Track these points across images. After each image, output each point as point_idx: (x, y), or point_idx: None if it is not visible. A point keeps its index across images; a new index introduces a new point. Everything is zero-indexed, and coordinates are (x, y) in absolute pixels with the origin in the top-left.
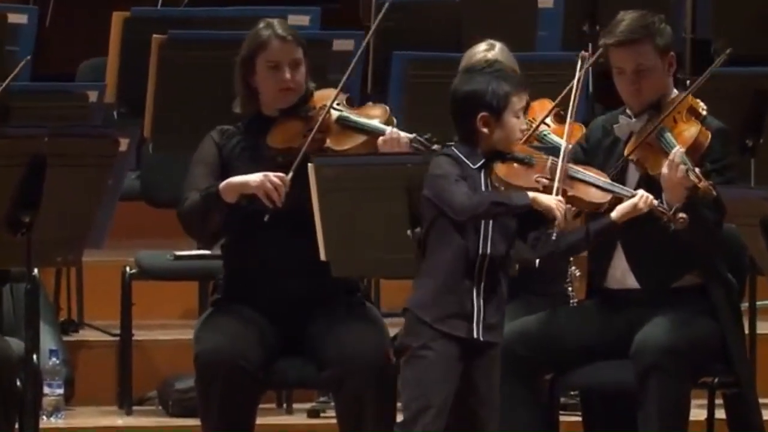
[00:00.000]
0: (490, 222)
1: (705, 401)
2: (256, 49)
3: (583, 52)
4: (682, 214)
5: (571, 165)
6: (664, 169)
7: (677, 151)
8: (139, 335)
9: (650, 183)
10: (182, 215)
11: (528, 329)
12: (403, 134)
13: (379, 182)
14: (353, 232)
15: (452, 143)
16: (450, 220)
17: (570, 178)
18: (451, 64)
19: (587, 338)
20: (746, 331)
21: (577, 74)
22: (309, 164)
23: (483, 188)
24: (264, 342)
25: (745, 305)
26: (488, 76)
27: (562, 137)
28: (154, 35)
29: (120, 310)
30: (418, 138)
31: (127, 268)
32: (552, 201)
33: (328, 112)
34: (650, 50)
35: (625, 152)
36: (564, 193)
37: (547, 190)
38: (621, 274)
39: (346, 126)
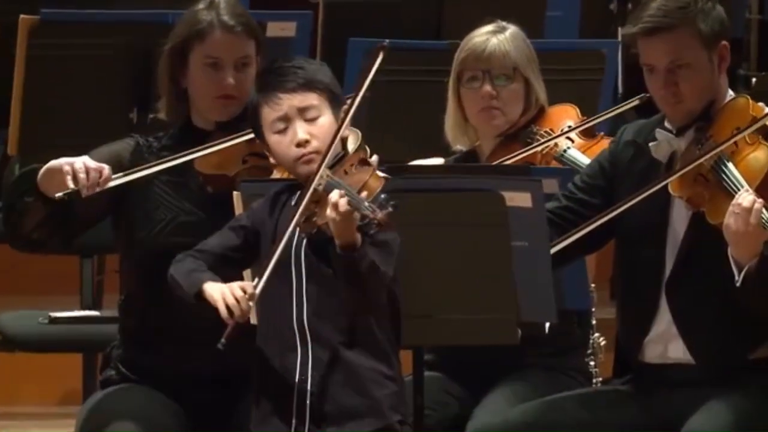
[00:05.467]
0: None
1: None
2: (190, 37)
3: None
4: (380, 216)
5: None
6: (729, 219)
7: (746, 196)
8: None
9: (706, 225)
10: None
11: (533, 419)
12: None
13: None
14: None
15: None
16: None
17: (325, 191)
18: (429, 55)
19: None
20: None
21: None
22: (235, 193)
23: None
24: None
25: None
26: (263, 74)
27: (590, 154)
28: (23, 15)
29: None
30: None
31: None
32: (218, 291)
33: None
34: (690, 39)
35: (670, 188)
36: (313, 217)
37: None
38: (664, 344)
39: None
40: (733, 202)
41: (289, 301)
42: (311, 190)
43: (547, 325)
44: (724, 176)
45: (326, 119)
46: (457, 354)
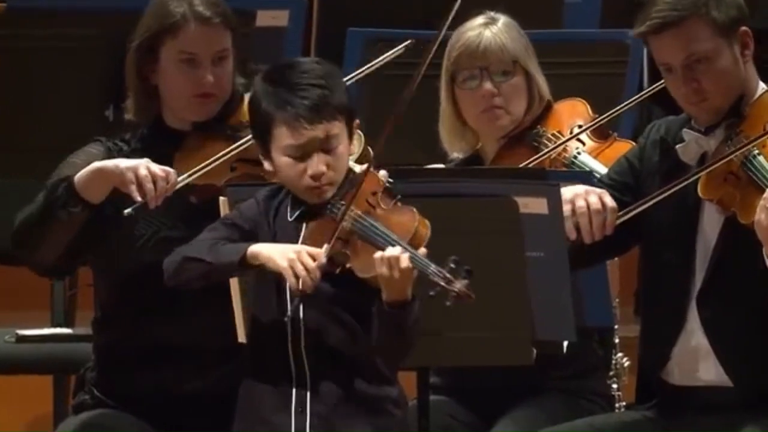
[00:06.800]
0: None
1: None
2: (162, 32)
3: None
4: (458, 287)
5: (378, 211)
6: (760, 215)
7: None
8: None
9: (739, 229)
10: (17, 225)
11: None
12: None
13: None
14: None
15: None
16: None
17: (356, 234)
18: (429, 46)
19: None
20: None
21: None
22: (221, 198)
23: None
24: None
25: None
26: (269, 80)
27: (603, 159)
28: None
29: None
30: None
31: None
32: (285, 258)
33: None
34: (704, 30)
35: (699, 190)
36: (340, 257)
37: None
38: (693, 363)
39: None
40: (765, 195)
41: (283, 329)
42: (337, 229)
43: (565, 344)
44: (754, 171)
45: (344, 146)
46: (465, 376)
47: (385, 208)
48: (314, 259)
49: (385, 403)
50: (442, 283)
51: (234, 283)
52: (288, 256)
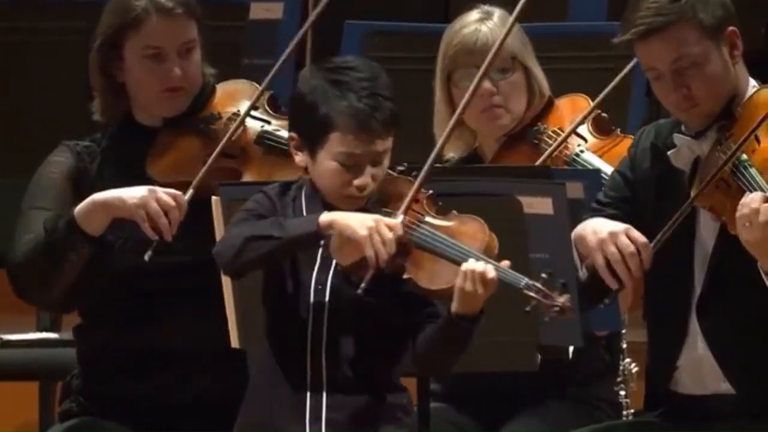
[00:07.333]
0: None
1: None
2: (124, 27)
3: None
4: (562, 300)
5: (422, 221)
6: (740, 230)
7: (752, 197)
8: None
9: (735, 240)
10: (18, 267)
11: None
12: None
13: None
14: None
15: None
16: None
17: (413, 243)
18: (433, 40)
19: None
20: None
21: None
22: (214, 198)
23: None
24: None
25: None
26: (334, 81)
27: (607, 157)
28: None
29: None
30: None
31: None
32: (364, 227)
33: (243, 123)
34: (692, 34)
35: (692, 194)
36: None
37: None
38: (699, 372)
39: (270, 148)
40: (739, 211)
41: (302, 333)
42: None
43: (571, 349)
44: (743, 180)
45: (388, 159)
46: (467, 382)
47: (441, 216)
48: (391, 230)
49: (396, 411)
50: (541, 298)
51: (227, 287)
52: (368, 225)
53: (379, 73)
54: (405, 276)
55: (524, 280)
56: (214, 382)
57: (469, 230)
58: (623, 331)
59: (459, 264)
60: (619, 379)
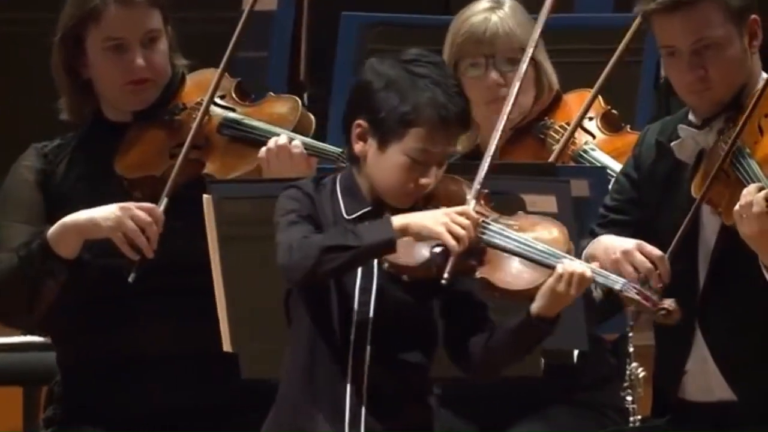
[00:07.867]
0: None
1: None
2: (83, 20)
3: None
4: (668, 302)
5: (493, 220)
6: (738, 223)
7: (750, 189)
8: None
9: (737, 234)
10: None
11: None
12: (295, 140)
13: None
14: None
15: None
16: None
17: (482, 242)
18: (435, 33)
19: None
20: None
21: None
22: (205, 196)
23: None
24: None
25: None
26: (417, 74)
27: (616, 153)
28: None
29: None
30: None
31: None
32: (439, 224)
33: (207, 112)
34: (717, 14)
35: (692, 188)
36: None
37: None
38: (706, 379)
39: (235, 137)
40: (738, 205)
41: (345, 337)
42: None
43: (576, 353)
44: (742, 171)
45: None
46: (468, 387)
47: (507, 215)
48: (466, 216)
49: (427, 413)
50: (641, 300)
51: (219, 289)
52: (441, 221)
53: (450, 70)
54: (477, 275)
55: (621, 281)
56: (204, 387)
57: (545, 230)
58: (630, 335)
59: (544, 265)
60: (625, 384)
